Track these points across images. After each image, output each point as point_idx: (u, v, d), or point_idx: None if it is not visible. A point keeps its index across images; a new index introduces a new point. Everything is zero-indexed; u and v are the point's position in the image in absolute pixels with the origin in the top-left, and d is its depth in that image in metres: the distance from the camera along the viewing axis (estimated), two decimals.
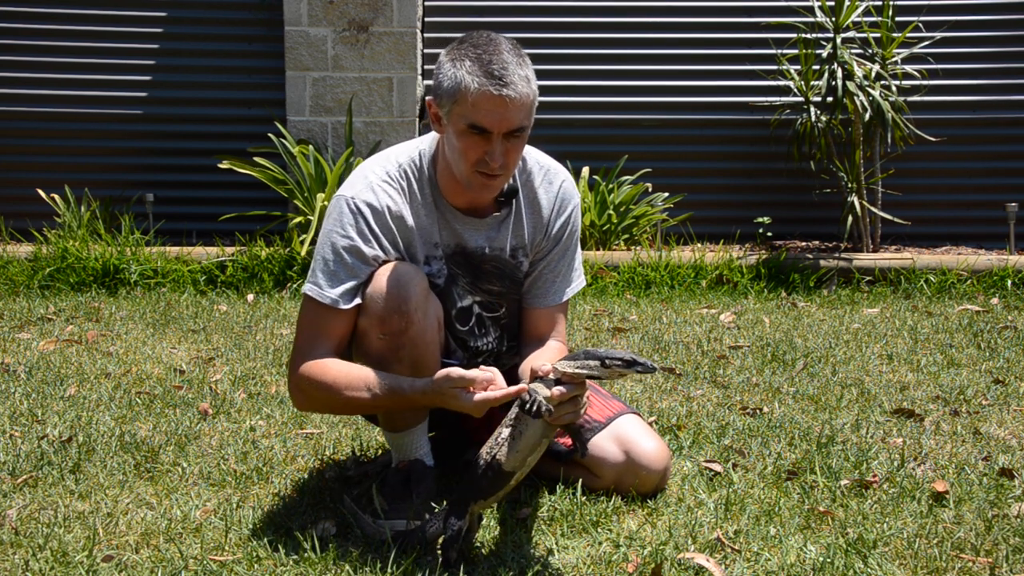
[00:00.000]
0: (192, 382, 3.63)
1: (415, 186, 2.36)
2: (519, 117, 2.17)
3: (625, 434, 2.48)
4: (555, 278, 2.50)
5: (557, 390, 2.01)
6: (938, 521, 2.28)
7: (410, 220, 2.34)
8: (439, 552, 2.05)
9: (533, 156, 2.49)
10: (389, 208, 2.31)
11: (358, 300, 2.27)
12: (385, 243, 2.30)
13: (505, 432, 2.05)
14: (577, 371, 2.02)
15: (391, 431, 2.42)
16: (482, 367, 2.13)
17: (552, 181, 2.49)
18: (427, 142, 2.41)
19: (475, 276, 2.44)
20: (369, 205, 2.30)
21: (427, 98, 2.28)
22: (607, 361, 2.00)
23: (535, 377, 2.06)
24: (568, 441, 2.38)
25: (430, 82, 2.23)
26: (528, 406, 1.99)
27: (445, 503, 2.11)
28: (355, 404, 2.27)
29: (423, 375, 2.28)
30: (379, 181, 2.33)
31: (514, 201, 2.44)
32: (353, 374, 2.24)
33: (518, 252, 2.47)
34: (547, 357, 2.28)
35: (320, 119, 6.75)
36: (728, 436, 2.98)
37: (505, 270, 2.46)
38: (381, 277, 2.24)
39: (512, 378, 2.48)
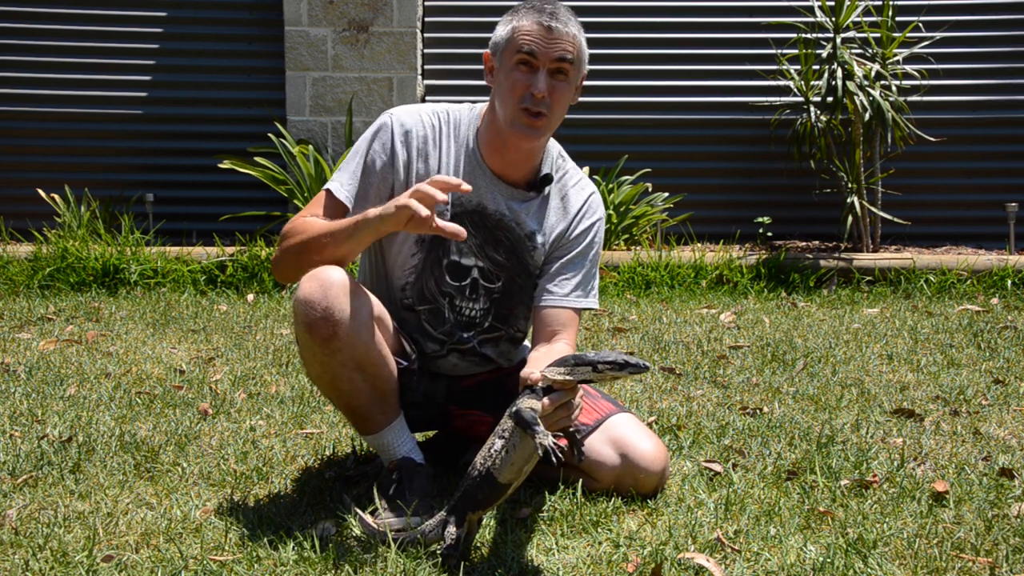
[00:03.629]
0: (192, 382, 3.63)
1: (453, 133, 2.49)
2: (564, 48, 2.36)
3: (621, 436, 2.47)
4: (570, 279, 2.50)
5: (547, 399, 2.00)
6: (938, 521, 2.28)
7: (432, 159, 2.45)
8: (438, 553, 2.05)
9: (572, 163, 2.62)
10: (419, 135, 2.45)
11: (349, 199, 2.41)
12: (399, 163, 2.43)
13: (499, 444, 2.02)
14: (567, 378, 2.00)
15: (365, 434, 2.44)
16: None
17: (585, 188, 2.58)
18: (480, 104, 2.55)
19: (485, 239, 2.48)
20: (403, 126, 2.45)
21: (484, 53, 2.45)
22: (599, 366, 1.98)
23: (525, 386, 2.04)
24: (565, 441, 2.38)
25: (492, 37, 2.46)
26: (535, 444, 1.95)
27: (444, 510, 2.10)
28: (316, 237, 2.33)
29: (377, 373, 2.32)
30: (425, 112, 2.49)
31: (547, 188, 2.51)
32: (319, 220, 2.39)
33: (535, 236, 2.50)
34: (549, 361, 2.28)
35: (320, 119, 6.76)
36: (728, 436, 2.98)
37: (515, 245, 2.49)
38: (305, 285, 2.26)
39: (514, 380, 2.49)
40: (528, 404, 1.99)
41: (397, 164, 2.43)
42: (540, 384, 2.02)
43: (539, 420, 1.97)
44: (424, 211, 2.12)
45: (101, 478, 2.58)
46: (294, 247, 2.37)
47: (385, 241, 2.50)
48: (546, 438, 1.94)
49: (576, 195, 2.55)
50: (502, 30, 2.39)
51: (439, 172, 2.45)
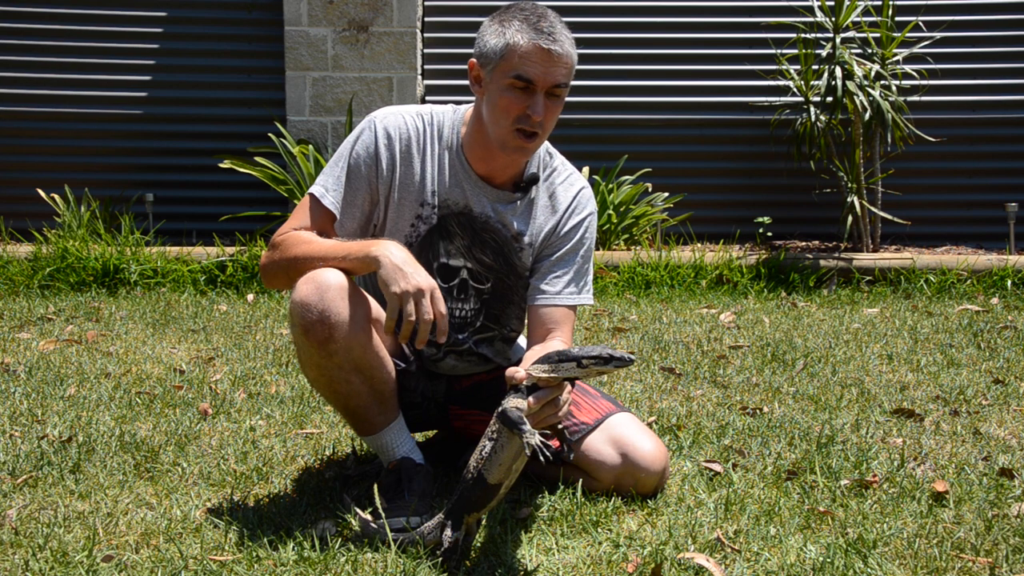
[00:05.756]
0: (192, 382, 3.63)
1: (436, 136, 2.46)
2: (562, 74, 2.29)
3: (621, 436, 2.47)
4: (562, 277, 2.49)
5: (532, 398, 1.99)
6: (938, 521, 2.28)
7: (416, 162, 2.43)
8: (438, 554, 2.05)
9: (561, 158, 2.58)
10: (402, 139, 2.43)
11: (334, 204, 2.40)
12: (383, 166, 2.41)
13: (488, 445, 2.02)
14: (552, 375, 1.99)
15: (364, 435, 2.43)
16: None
17: (574, 184, 2.55)
18: (464, 106, 2.51)
19: (472, 241, 2.47)
20: (386, 130, 2.42)
21: (470, 60, 2.38)
22: (583, 361, 1.97)
23: (510, 386, 2.03)
24: (557, 443, 2.38)
25: (476, 46, 2.39)
26: (521, 440, 1.95)
27: (442, 512, 2.10)
28: (307, 259, 2.31)
29: (375, 375, 2.32)
30: (408, 115, 2.46)
31: (533, 189, 2.49)
32: (312, 235, 2.38)
33: (522, 237, 2.48)
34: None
35: (320, 119, 6.76)
36: (728, 436, 2.98)
37: (502, 246, 2.48)
38: (301, 288, 2.25)
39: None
40: (514, 404, 1.98)
41: (381, 168, 2.41)
42: (525, 382, 2.01)
43: (525, 419, 1.96)
44: (429, 313, 2.16)
45: (101, 478, 2.58)
46: (284, 261, 2.35)
47: None
48: (533, 437, 1.93)
49: (564, 191, 2.53)
50: (494, 41, 2.30)
51: (424, 176, 2.43)
